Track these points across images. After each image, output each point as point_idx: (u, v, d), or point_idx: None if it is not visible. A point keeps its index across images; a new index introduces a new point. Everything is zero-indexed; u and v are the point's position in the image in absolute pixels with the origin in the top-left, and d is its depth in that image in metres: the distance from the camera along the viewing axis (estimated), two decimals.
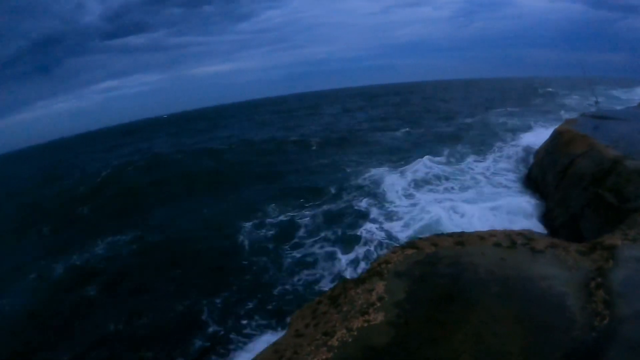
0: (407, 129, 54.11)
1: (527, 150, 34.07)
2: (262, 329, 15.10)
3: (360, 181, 31.10)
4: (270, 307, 16.44)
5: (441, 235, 12.99)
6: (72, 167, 63.56)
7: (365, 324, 8.39)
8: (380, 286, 9.73)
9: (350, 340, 8.09)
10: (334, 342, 8.13)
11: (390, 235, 21.10)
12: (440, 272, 9.98)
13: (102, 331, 16.33)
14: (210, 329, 15.51)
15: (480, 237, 11.95)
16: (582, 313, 7.81)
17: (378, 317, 8.50)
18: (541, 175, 24.46)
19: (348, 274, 17.76)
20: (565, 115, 45.42)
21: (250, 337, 14.67)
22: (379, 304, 8.96)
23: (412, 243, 12.36)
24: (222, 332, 15.18)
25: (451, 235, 12.69)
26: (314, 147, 48.45)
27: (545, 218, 20.41)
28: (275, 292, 17.52)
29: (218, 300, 17.33)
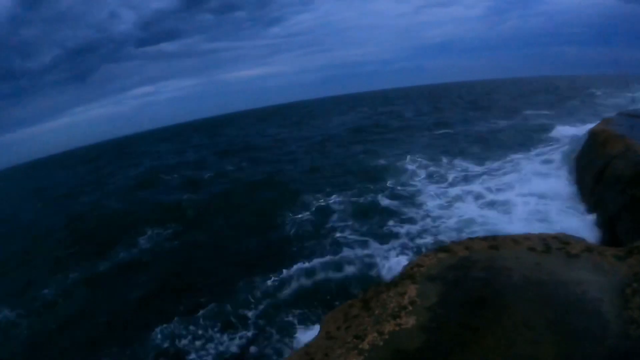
0: (445, 130, 53.97)
1: (573, 138, 33.43)
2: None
3: (391, 182, 31.35)
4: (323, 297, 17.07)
5: (475, 238, 12.92)
6: (112, 172, 65.88)
7: (397, 328, 8.46)
8: (412, 290, 9.78)
9: (381, 343, 8.17)
10: (365, 345, 8.23)
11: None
12: (473, 276, 9.95)
13: (151, 322, 17.06)
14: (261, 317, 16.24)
15: (515, 240, 11.85)
16: (617, 320, 7.68)
17: (410, 321, 8.56)
18: (578, 177, 23.95)
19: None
20: (603, 114, 44.33)
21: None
22: (410, 308, 9.02)
23: (445, 247, 12.36)
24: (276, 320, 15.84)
25: (485, 238, 12.63)
26: (349, 146, 49.09)
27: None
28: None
29: (268, 282, 18.41)
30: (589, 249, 10.75)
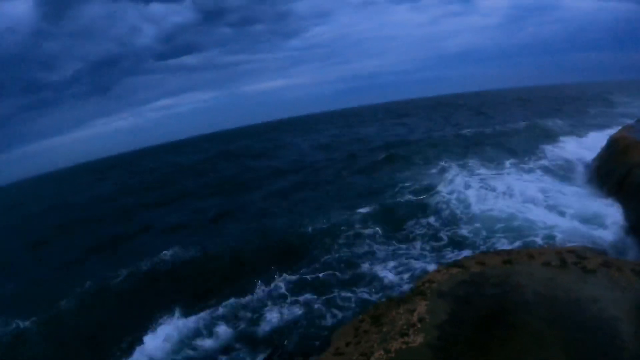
0: (469, 129, 53.66)
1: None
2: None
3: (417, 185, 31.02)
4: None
5: (489, 253, 12.75)
6: (136, 181, 66.81)
7: (404, 346, 8.27)
8: (422, 306, 9.59)
9: None
10: None
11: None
12: (485, 293, 9.72)
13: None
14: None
15: (530, 255, 11.58)
16: (634, 340, 7.38)
17: (417, 339, 8.35)
18: (598, 187, 23.37)
19: None
20: (623, 121, 43.38)
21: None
22: (419, 325, 8.82)
23: (458, 262, 12.18)
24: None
25: (499, 253, 12.41)
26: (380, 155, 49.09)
27: None
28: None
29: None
30: (606, 263, 10.41)
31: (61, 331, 18.49)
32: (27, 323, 18.51)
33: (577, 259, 10.83)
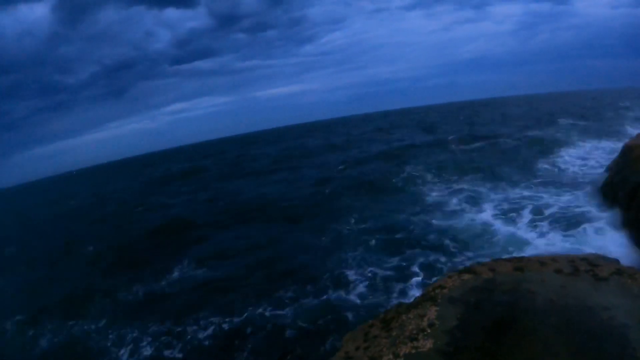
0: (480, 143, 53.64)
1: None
2: None
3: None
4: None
5: (500, 259, 12.65)
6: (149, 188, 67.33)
7: (413, 351, 8.28)
8: (432, 312, 9.59)
9: None
10: None
11: None
12: (496, 300, 9.68)
13: None
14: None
15: (541, 262, 11.51)
16: None
17: (427, 344, 8.36)
18: (612, 194, 23.09)
19: None
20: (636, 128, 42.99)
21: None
22: (429, 331, 8.83)
23: (469, 268, 12.13)
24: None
25: (510, 260, 12.34)
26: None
27: None
28: None
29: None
30: (619, 271, 10.33)
31: None
32: None
33: (590, 266, 10.76)
